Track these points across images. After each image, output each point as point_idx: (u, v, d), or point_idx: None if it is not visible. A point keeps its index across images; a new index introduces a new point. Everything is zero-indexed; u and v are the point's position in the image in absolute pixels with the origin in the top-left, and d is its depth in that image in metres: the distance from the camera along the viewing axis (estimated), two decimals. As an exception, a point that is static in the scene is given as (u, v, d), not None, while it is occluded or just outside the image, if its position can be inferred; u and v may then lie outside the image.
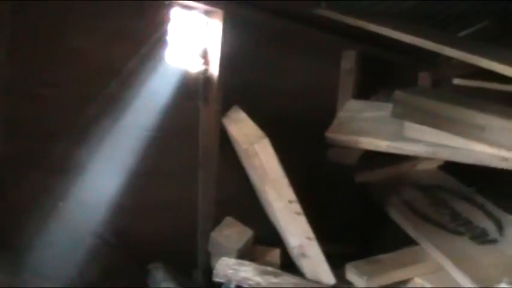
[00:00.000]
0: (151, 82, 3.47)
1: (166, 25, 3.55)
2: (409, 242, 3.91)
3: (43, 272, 3.16)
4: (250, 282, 3.45)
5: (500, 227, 3.85)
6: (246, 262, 3.56)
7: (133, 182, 3.42)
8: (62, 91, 3.19)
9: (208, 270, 3.64)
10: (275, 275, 3.50)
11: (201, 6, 3.62)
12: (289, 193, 3.48)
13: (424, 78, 5.03)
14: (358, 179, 4.39)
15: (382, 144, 3.98)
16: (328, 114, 4.45)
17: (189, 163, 3.75)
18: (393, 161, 4.49)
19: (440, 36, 3.76)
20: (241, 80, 3.86)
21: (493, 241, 3.74)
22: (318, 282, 3.55)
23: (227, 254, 3.60)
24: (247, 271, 3.50)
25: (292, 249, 3.64)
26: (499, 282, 3.27)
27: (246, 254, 3.67)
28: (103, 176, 3.38)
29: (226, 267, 3.52)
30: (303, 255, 3.56)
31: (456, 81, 4.36)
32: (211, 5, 3.63)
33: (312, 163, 4.20)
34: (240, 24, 3.72)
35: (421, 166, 4.51)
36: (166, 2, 3.52)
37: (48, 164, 3.11)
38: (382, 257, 3.71)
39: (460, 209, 4.05)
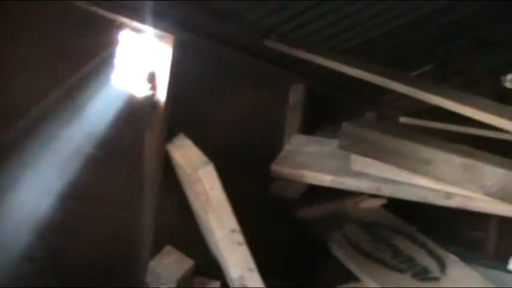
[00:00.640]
0: (94, 102, 3.38)
1: (115, 46, 3.49)
2: (351, 277, 3.90)
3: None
4: (189, 313, 3.36)
5: (442, 265, 3.88)
6: (184, 292, 3.46)
7: (69, 204, 3.30)
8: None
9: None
10: (214, 307, 3.42)
11: (152, 30, 3.58)
12: (232, 222, 3.41)
13: (370, 118, 5.06)
14: (301, 214, 4.36)
15: (326, 179, 3.97)
16: (274, 147, 4.43)
17: (128, 188, 3.65)
18: (335, 198, 4.51)
19: (388, 73, 3.80)
20: (188, 108, 3.81)
21: (435, 279, 3.74)
22: (258, 316, 3.47)
23: (165, 284, 3.49)
24: (185, 302, 3.40)
25: (232, 281, 3.55)
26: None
27: (185, 285, 3.57)
28: (35, 195, 3.25)
29: (164, 297, 3.42)
30: (244, 287, 3.48)
31: (402, 119, 4.41)
32: (162, 30, 3.59)
33: (255, 196, 4.14)
34: (190, 51, 3.68)
35: (364, 204, 4.51)
36: (117, 23, 3.47)
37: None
38: (323, 292, 3.68)
39: (401, 247, 4.07)
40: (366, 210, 4.51)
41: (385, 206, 4.55)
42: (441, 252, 4.02)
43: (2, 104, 3.10)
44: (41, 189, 3.27)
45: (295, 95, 4.59)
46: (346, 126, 3.77)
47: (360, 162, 3.76)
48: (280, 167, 4.15)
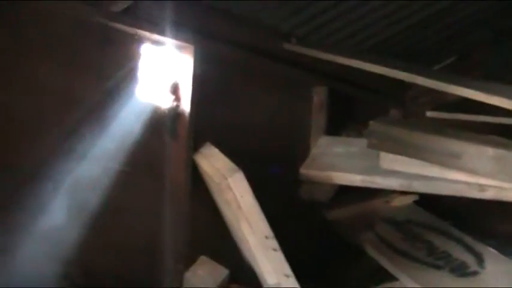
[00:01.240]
0: (119, 117, 3.39)
1: (136, 60, 3.49)
2: (382, 279, 3.85)
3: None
4: (227, 323, 3.34)
5: (480, 259, 3.81)
6: (222, 302, 3.44)
7: (100, 219, 3.31)
8: (18, 122, 3.09)
9: (182, 313, 3.52)
10: (252, 314, 3.39)
11: (172, 41, 3.57)
12: (265, 228, 3.38)
13: (395, 115, 5.03)
14: (331, 216, 4.33)
15: (356, 179, 3.94)
16: (301, 150, 4.41)
17: (158, 201, 3.63)
18: (365, 198, 4.48)
19: (411, 68, 3.77)
20: (213, 117, 3.79)
21: (474, 273, 3.68)
22: (297, 321, 3.44)
23: (202, 295, 3.48)
24: (223, 312, 3.38)
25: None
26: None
27: (222, 294, 3.56)
28: (66, 213, 3.27)
29: (202, 308, 3.41)
30: (282, 293, 3.45)
31: (429, 113, 4.37)
32: (182, 40, 3.58)
33: (284, 201, 4.12)
34: (211, 60, 3.66)
35: (395, 202, 4.47)
36: (136, 37, 3.47)
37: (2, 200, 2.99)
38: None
39: (436, 243, 4.01)
40: (397, 208, 4.46)
41: (416, 203, 4.50)
42: (478, 246, 3.95)
43: (27, 124, 3.12)
44: (72, 208, 3.29)
45: (319, 96, 4.56)
46: (373, 124, 3.74)
47: (389, 160, 3.72)
48: (309, 170, 4.13)
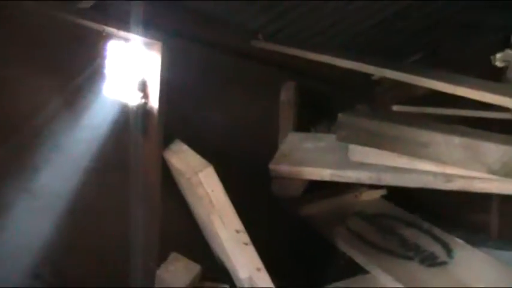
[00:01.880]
0: (87, 114, 3.37)
1: (104, 57, 3.48)
2: (356, 272, 3.88)
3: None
4: (200, 318, 3.33)
5: (448, 250, 3.86)
6: (195, 298, 3.44)
7: (71, 218, 3.28)
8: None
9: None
10: (225, 310, 3.39)
11: (139, 38, 3.56)
12: (236, 222, 3.38)
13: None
14: (303, 212, 4.34)
15: (325, 173, 3.96)
16: (270, 146, 4.42)
17: (128, 199, 3.61)
18: (335, 193, 4.51)
19: (380, 62, 3.80)
20: (181, 113, 3.79)
21: (443, 264, 3.73)
22: (269, 316, 3.44)
23: (175, 291, 3.47)
24: (196, 307, 3.38)
25: (241, 282, 3.52)
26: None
27: (194, 290, 3.55)
28: (37, 212, 3.23)
29: (174, 304, 3.39)
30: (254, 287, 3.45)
31: (396, 107, 4.42)
32: (149, 37, 3.57)
33: (255, 197, 4.12)
34: (179, 57, 3.67)
35: (365, 196, 4.51)
36: (104, 34, 3.46)
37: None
38: (336, 285, 3.65)
39: (407, 235, 4.06)
40: (367, 202, 4.51)
41: (385, 197, 4.55)
42: (446, 236, 4.01)
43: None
44: (43, 206, 3.26)
45: (287, 93, 4.59)
46: (342, 117, 3.77)
47: (359, 153, 3.75)
48: (278, 166, 4.13)
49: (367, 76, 4.89)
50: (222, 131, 4.10)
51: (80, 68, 3.37)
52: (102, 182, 3.48)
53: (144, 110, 3.62)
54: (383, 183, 3.84)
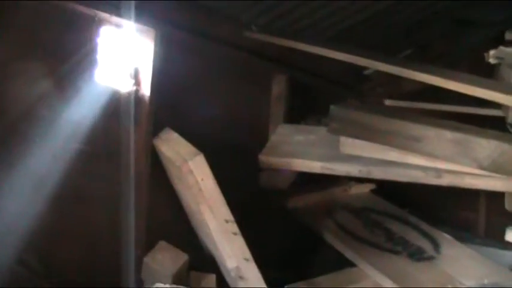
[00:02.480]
0: (78, 100, 3.34)
1: (96, 43, 3.45)
2: (343, 265, 3.88)
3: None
4: (187, 307, 3.31)
5: (436, 244, 3.88)
6: (182, 287, 3.40)
7: (58, 205, 3.25)
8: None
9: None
10: (212, 299, 3.38)
11: (132, 24, 3.54)
12: (225, 212, 3.36)
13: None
14: (291, 204, 4.34)
15: (316, 166, 3.95)
16: (260, 138, 4.41)
17: (116, 187, 3.58)
18: (324, 187, 4.51)
19: (372, 55, 3.80)
20: (173, 102, 3.77)
21: (430, 258, 3.74)
22: (256, 306, 3.43)
23: (161, 280, 3.43)
24: (183, 296, 3.35)
25: (229, 272, 3.51)
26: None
27: (180, 279, 3.52)
28: (23, 197, 3.20)
29: (161, 293, 3.37)
30: (241, 277, 3.44)
31: (388, 102, 4.42)
32: (142, 24, 3.55)
33: (244, 189, 4.11)
34: (172, 45, 3.65)
35: (353, 190, 4.52)
36: (96, 19, 3.43)
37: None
38: (321, 278, 3.66)
39: (394, 229, 4.07)
40: (356, 196, 4.51)
41: (374, 191, 4.55)
42: (434, 232, 4.02)
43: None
44: (29, 191, 3.22)
45: (278, 85, 4.59)
46: (334, 109, 3.76)
47: (350, 145, 3.75)
48: (268, 157, 4.12)
49: (358, 71, 4.90)
50: (212, 121, 4.07)
51: (72, 54, 3.35)
52: (90, 168, 3.46)
53: (135, 97, 3.60)
54: (373, 176, 3.84)
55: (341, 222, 4.17)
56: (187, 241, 3.80)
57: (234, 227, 3.38)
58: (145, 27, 3.56)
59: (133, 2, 3.35)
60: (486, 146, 3.23)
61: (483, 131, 3.38)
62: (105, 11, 3.40)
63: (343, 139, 3.78)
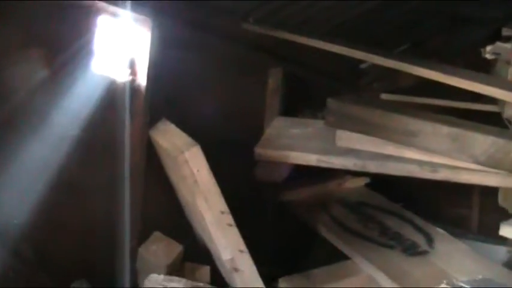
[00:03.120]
0: (74, 89, 3.33)
1: (92, 32, 3.43)
2: (337, 259, 3.88)
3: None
4: (181, 298, 3.30)
5: (430, 239, 3.88)
6: (176, 278, 3.37)
7: (54, 196, 3.25)
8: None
9: (135, 288, 3.49)
10: (207, 290, 3.36)
11: (129, 14, 3.52)
12: (221, 203, 3.35)
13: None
14: (285, 197, 4.34)
15: (311, 158, 3.94)
16: (255, 131, 4.40)
17: (112, 177, 3.57)
18: (318, 180, 4.50)
19: (370, 49, 3.80)
20: (167, 93, 3.75)
21: (424, 253, 3.74)
22: (250, 298, 3.43)
23: (156, 270, 3.43)
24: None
25: (223, 264, 3.51)
26: None
27: (175, 270, 3.51)
28: (19, 189, 3.19)
29: (155, 284, 3.33)
30: (235, 269, 3.42)
31: (384, 96, 4.43)
32: (139, 13, 3.53)
33: (239, 181, 4.10)
34: (169, 36, 3.63)
35: (348, 184, 4.52)
36: (93, 8, 3.41)
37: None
38: (315, 271, 3.67)
39: (388, 224, 4.07)
40: (350, 190, 4.51)
41: (368, 186, 4.56)
42: (428, 227, 4.02)
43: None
44: (24, 182, 3.22)
45: (274, 78, 4.56)
46: (331, 102, 3.77)
47: (346, 138, 3.76)
48: (264, 150, 4.12)
49: (355, 65, 4.90)
50: (208, 113, 4.06)
51: (68, 43, 3.33)
52: (86, 158, 3.45)
53: (131, 87, 3.58)
54: (368, 170, 3.84)
55: (335, 215, 4.17)
56: (182, 232, 3.80)
57: (229, 219, 3.37)
58: (142, 17, 3.54)
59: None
60: (483, 141, 3.24)
61: (480, 126, 3.39)
62: (102, 0, 3.38)
63: (340, 132, 3.78)
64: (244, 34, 4.16)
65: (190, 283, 3.37)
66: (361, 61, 4.81)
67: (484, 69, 4.16)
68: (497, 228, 3.55)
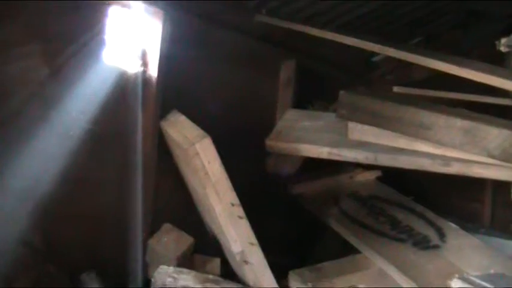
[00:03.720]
0: (85, 81, 3.33)
1: (104, 24, 3.43)
2: (346, 253, 3.86)
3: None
4: (191, 290, 3.29)
5: (441, 233, 3.83)
6: (186, 270, 3.39)
7: (64, 186, 3.25)
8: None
9: (145, 280, 3.48)
10: (216, 282, 3.35)
11: (141, 5, 3.51)
12: (232, 195, 3.34)
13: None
14: (296, 190, 4.33)
15: (323, 151, 3.93)
16: (267, 124, 4.40)
17: (122, 168, 3.58)
18: (329, 174, 4.49)
19: (383, 41, 3.77)
20: (179, 85, 3.74)
21: (436, 247, 3.70)
22: (260, 291, 3.42)
23: (166, 262, 3.43)
24: (187, 279, 3.33)
25: (233, 256, 3.49)
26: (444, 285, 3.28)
27: (185, 262, 3.51)
28: (29, 178, 3.19)
29: (165, 275, 3.35)
30: (245, 262, 3.41)
31: (396, 89, 4.39)
32: (151, 5, 3.52)
33: (250, 174, 4.09)
34: (181, 28, 3.63)
35: (359, 178, 4.49)
36: (105, 0, 3.41)
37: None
38: (326, 264, 3.63)
39: (400, 218, 4.02)
40: (361, 183, 4.48)
41: (379, 179, 4.53)
42: (440, 221, 3.98)
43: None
44: (35, 171, 3.22)
45: (287, 71, 4.55)
46: (343, 95, 3.74)
47: (358, 131, 3.73)
48: (276, 142, 4.12)
49: (367, 58, 4.88)
50: (219, 105, 4.04)
51: (80, 33, 3.34)
52: (97, 150, 3.45)
53: (142, 78, 3.58)
54: (379, 163, 3.80)
55: (346, 209, 4.14)
56: (192, 224, 3.80)
57: (240, 211, 3.36)
58: (154, 9, 3.54)
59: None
60: (496, 135, 3.20)
61: (493, 119, 3.35)
62: (115, -9, 3.38)
63: (352, 125, 3.76)
64: (256, 26, 4.16)
65: (200, 275, 3.38)
66: (373, 54, 4.79)
67: (498, 63, 4.12)
68: (509, 223, 3.52)
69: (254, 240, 3.39)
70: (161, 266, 3.39)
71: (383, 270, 3.57)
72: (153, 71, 3.56)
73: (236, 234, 3.40)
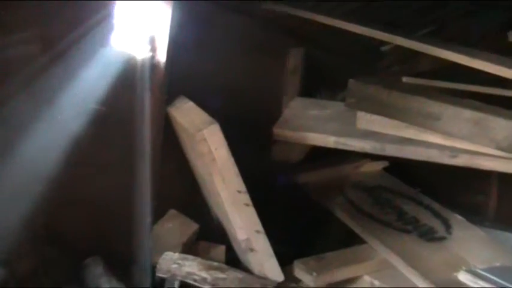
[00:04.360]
0: (93, 65, 3.31)
1: (112, 7, 3.41)
2: (352, 243, 3.85)
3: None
4: (196, 277, 3.28)
5: (448, 225, 3.82)
6: (191, 257, 3.39)
7: (68, 171, 3.24)
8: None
9: (150, 266, 3.46)
10: (221, 270, 3.34)
11: (150, -11, 3.49)
12: (238, 182, 3.33)
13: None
14: (302, 179, 4.31)
15: (329, 140, 3.91)
16: (273, 111, 4.38)
17: (128, 153, 3.56)
18: (336, 163, 4.47)
19: (391, 30, 3.75)
20: (187, 71, 3.72)
21: (442, 239, 3.69)
22: (265, 279, 3.39)
23: (171, 248, 3.43)
24: (192, 266, 3.33)
25: (239, 244, 3.49)
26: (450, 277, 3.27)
27: (190, 248, 3.51)
28: (33, 161, 3.18)
29: (170, 261, 3.35)
30: (251, 249, 3.40)
31: (405, 79, 4.36)
32: (161, -11, 3.50)
33: (255, 161, 4.08)
34: (190, 13, 3.60)
35: (365, 168, 4.47)
36: (114, -17, 3.39)
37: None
38: (331, 254, 3.62)
39: (406, 209, 4.01)
40: (368, 174, 4.46)
41: (386, 170, 4.51)
42: (446, 213, 3.97)
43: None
44: (37, 156, 3.20)
45: (294, 59, 4.51)
46: (352, 83, 3.71)
47: (366, 120, 3.71)
48: (282, 130, 4.11)
49: (376, 48, 4.83)
50: (226, 92, 4.03)
51: (88, 17, 3.31)
52: (103, 133, 3.44)
53: (150, 64, 3.56)
54: (386, 153, 3.77)
55: (352, 199, 4.12)
56: (198, 210, 3.80)
57: (247, 198, 3.35)
58: (162, -7, 3.52)
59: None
60: (505, 126, 3.17)
61: (503, 111, 3.31)
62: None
63: (360, 114, 3.73)
64: (264, 13, 4.12)
65: (205, 262, 3.38)
66: (381, 43, 4.75)
67: (507, 55, 4.10)
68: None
69: (260, 227, 3.38)
70: (166, 253, 3.39)
71: (388, 260, 3.57)
72: (161, 57, 3.54)
73: (242, 221, 3.38)
